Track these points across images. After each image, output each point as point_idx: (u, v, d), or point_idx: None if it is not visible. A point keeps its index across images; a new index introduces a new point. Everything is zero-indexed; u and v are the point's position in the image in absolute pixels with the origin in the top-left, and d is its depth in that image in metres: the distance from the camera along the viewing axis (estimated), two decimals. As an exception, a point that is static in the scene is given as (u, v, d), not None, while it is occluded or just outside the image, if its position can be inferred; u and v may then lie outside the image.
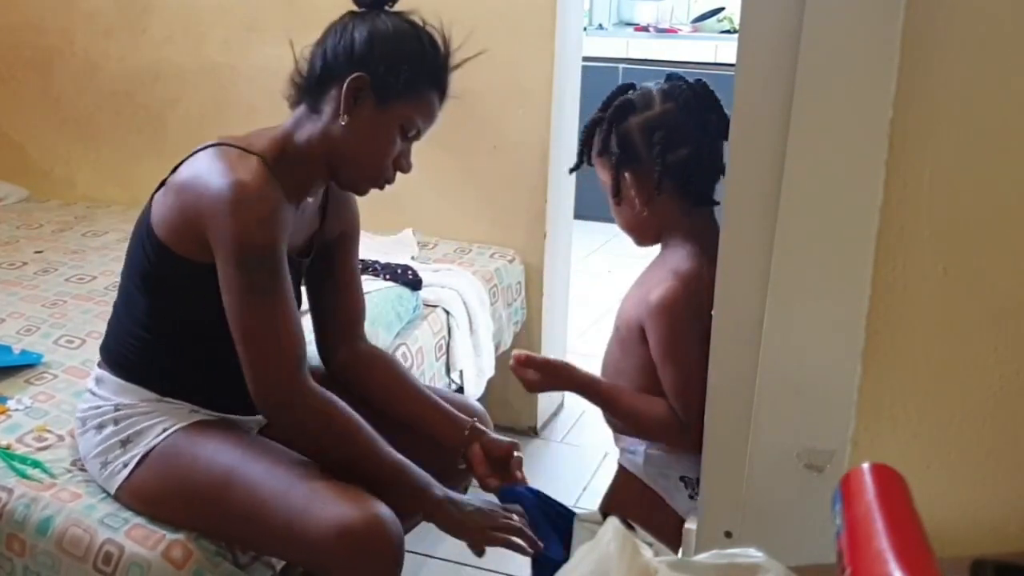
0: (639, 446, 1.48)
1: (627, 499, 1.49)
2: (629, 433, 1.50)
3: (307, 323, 1.79)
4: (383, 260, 2.51)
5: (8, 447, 1.66)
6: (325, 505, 1.41)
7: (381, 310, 2.24)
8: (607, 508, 1.53)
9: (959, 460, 0.91)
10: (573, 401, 3.05)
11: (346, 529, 1.38)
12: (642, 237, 1.47)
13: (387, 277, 2.41)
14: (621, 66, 4.84)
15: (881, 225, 0.87)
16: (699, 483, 1.42)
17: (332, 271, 1.74)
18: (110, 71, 3.19)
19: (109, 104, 3.22)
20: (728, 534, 1.09)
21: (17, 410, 1.79)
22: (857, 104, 0.88)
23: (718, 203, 1.41)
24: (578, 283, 3.40)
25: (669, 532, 1.44)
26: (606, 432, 2.91)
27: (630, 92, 1.44)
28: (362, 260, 2.49)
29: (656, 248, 1.53)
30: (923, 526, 0.71)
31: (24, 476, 1.58)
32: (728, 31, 4.95)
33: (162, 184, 1.56)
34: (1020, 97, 0.82)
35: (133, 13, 3.11)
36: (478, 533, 1.48)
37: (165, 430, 1.54)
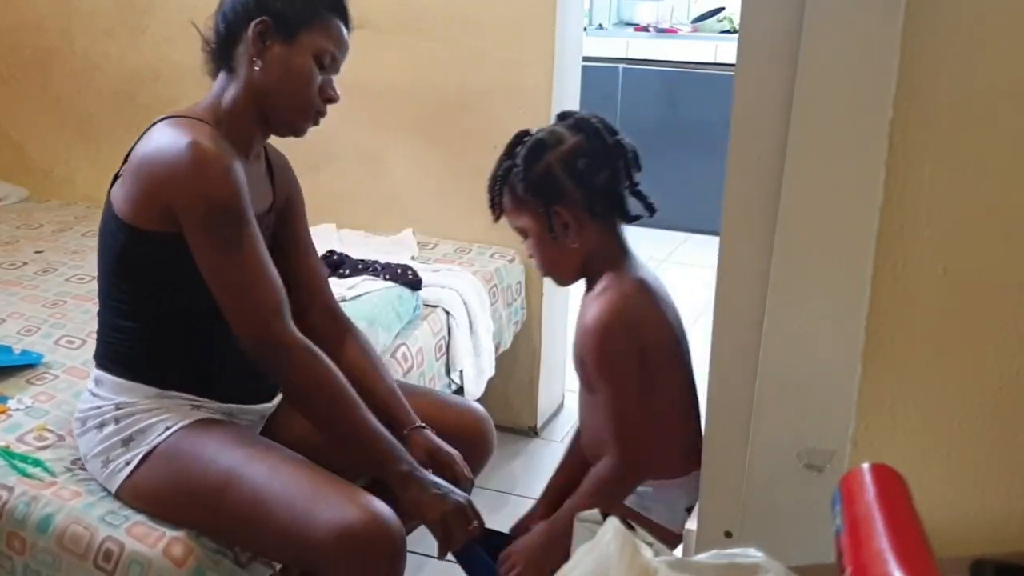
0: (645, 487, 1.49)
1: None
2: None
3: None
4: (383, 260, 2.51)
5: (7, 447, 1.66)
6: (326, 507, 1.41)
7: (381, 310, 2.24)
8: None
9: (959, 460, 0.91)
10: (573, 401, 3.05)
11: (347, 531, 1.38)
12: (566, 274, 1.50)
13: (387, 277, 2.41)
14: (621, 66, 4.83)
15: (881, 225, 0.87)
16: None
17: (287, 243, 1.76)
18: (110, 71, 3.19)
19: (109, 104, 3.22)
20: (728, 534, 1.09)
21: (18, 410, 1.79)
22: (857, 104, 0.88)
23: (640, 217, 1.47)
24: (578, 283, 3.39)
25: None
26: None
27: (529, 136, 1.46)
28: (362, 260, 2.50)
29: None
30: (923, 526, 0.71)
31: (25, 474, 1.58)
32: (728, 31, 4.95)
33: (116, 178, 1.60)
34: (1020, 97, 0.82)
35: (133, 13, 3.11)
36: (434, 518, 1.51)
37: (168, 428, 1.54)
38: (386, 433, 1.55)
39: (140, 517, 1.51)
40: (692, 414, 1.48)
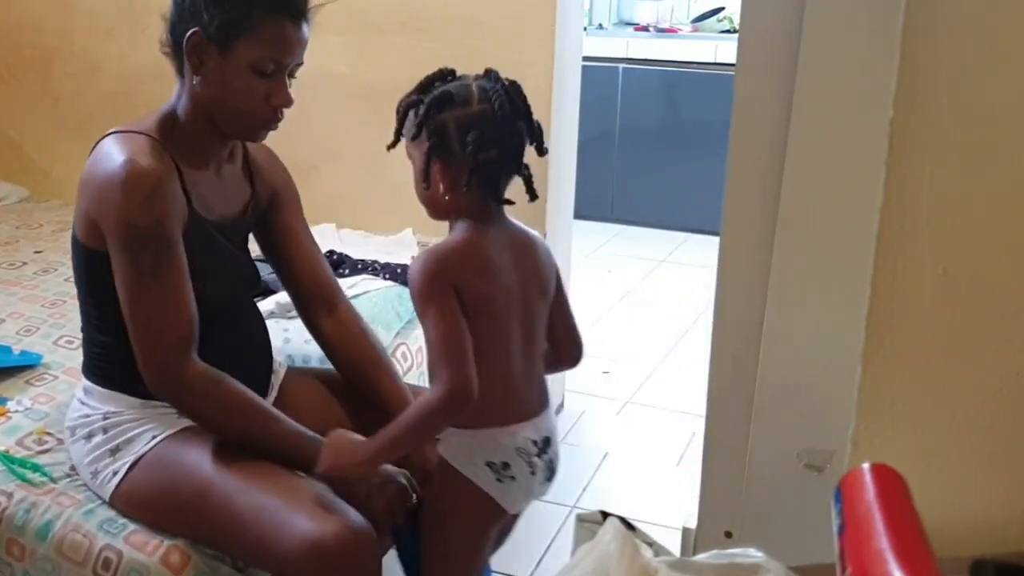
0: (445, 433, 1.50)
1: (448, 487, 1.51)
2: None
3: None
4: (383, 260, 2.51)
5: (7, 452, 1.65)
6: (298, 519, 1.38)
7: (381, 310, 2.24)
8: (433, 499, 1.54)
9: (959, 460, 0.91)
10: (573, 401, 3.05)
11: (317, 544, 1.35)
12: (436, 213, 1.52)
13: (387, 277, 2.41)
14: (621, 66, 4.83)
15: (881, 225, 0.87)
16: (504, 467, 1.46)
17: (280, 237, 1.73)
18: (110, 71, 3.19)
19: (109, 104, 3.22)
20: (728, 534, 1.10)
21: (17, 411, 1.79)
22: (857, 104, 0.88)
23: (512, 202, 1.48)
24: (578, 283, 3.40)
25: (491, 518, 1.50)
26: (606, 432, 2.92)
27: (449, 80, 1.45)
28: (362, 260, 2.50)
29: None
30: (923, 526, 0.71)
31: (24, 480, 1.58)
32: (728, 31, 4.95)
33: None
34: (1020, 97, 0.82)
35: (133, 13, 3.11)
36: (382, 507, 1.48)
37: (154, 437, 1.52)
38: (308, 434, 1.51)
39: (138, 525, 1.50)
40: (492, 373, 1.45)
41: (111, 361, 1.58)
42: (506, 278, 1.47)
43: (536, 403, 1.53)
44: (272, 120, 1.53)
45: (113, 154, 1.46)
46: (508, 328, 1.49)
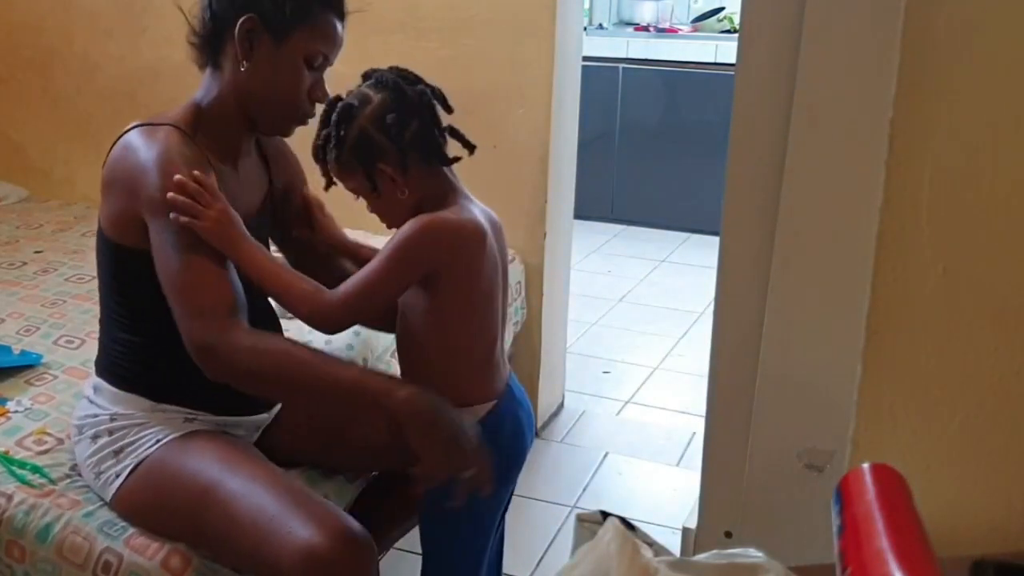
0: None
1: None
2: None
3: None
4: (383, 260, 2.51)
5: (7, 453, 1.65)
6: (294, 527, 1.35)
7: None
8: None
9: (959, 460, 0.91)
10: (573, 401, 3.05)
11: (312, 554, 1.33)
12: (400, 217, 1.52)
13: (387, 277, 2.40)
14: (621, 66, 4.84)
15: (881, 225, 0.87)
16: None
17: (296, 216, 1.73)
18: (110, 71, 3.19)
19: (109, 104, 3.22)
20: (728, 534, 1.10)
21: (17, 412, 1.79)
22: (857, 104, 0.88)
23: (459, 159, 1.50)
24: (578, 283, 3.40)
25: None
26: (606, 432, 2.92)
27: (340, 102, 1.48)
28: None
29: None
30: (923, 526, 0.71)
31: (24, 482, 1.57)
32: (728, 31, 4.95)
33: None
34: (1020, 97, 0.82)
35: (133, 13, 3.11)
36: (448, 445, 1.36)
37: (158, 441, 1.52)
38: (366, 371, 1.49)
39: (137, 528, 1.49)
40: (473, 356, 1.51)
41: (131, 360, 1.57)
42: (492, 255, 1.50)
43: (503, 382, 1.55)
44: (308, 115, 1.55)
45: (142, 145, 1.45)
46: (494, 304, 1.52)
